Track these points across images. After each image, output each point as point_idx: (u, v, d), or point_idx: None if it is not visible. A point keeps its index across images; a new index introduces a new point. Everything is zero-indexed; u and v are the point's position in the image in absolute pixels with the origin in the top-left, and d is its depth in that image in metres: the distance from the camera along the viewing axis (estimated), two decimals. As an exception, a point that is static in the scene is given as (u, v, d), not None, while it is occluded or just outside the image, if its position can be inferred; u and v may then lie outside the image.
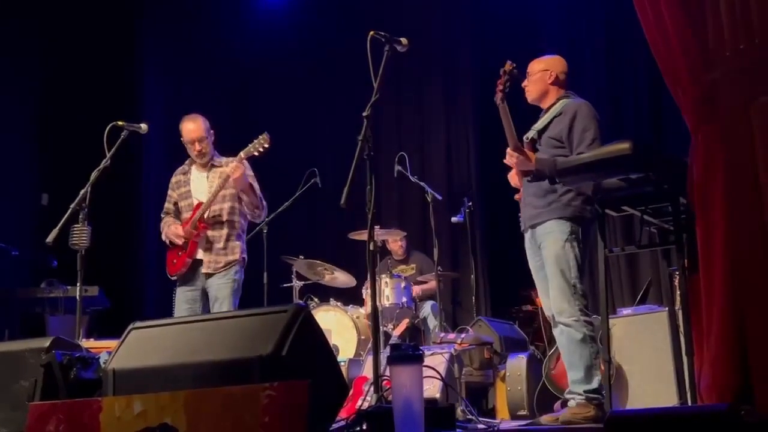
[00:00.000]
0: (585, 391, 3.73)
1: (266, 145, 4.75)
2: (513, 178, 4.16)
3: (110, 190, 4.81)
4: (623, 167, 3.38)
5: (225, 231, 4.74)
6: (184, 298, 4.73)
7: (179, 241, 4.72)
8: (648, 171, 3.38)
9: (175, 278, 4.78)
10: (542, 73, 4.05)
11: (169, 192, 4.98)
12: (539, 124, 4.01)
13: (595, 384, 3.73)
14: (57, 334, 3.26)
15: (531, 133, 4.01)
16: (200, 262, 4.72)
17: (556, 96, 4.04)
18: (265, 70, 8.08)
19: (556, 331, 3.95)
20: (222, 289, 4.68)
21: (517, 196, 4.12)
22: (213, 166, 4.84)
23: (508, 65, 3.95)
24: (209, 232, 4.72)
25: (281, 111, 8.06)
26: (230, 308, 4.63)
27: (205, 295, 4.74)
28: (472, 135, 7.65)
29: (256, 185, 4.86)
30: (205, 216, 4.70)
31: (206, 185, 4.80)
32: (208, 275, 4.71)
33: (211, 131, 4.87)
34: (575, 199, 3.83)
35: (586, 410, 3.70)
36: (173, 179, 4.98)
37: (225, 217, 4.76)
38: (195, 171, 4.91)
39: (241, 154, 4.73)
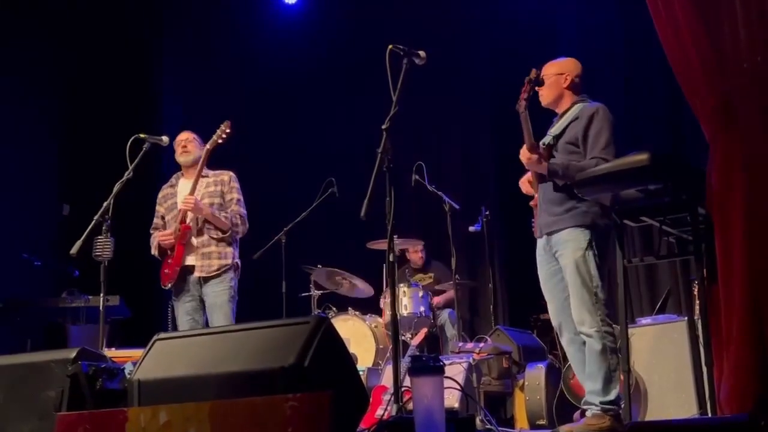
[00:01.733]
0: (601, 402, 3.69)
1: (228, 130, 4.81)
2: (524, 184, 4.11)
3: (129, 201, 4.88)
4: (642, 178, 3.39)
5: (216, 235, 4.76)
6: (183, 310, 4.76)
7: (167, 243, 4.73)
8: (666, 181, 3.39)
9: (169, 288, 4.79)
10: (557, 77, 3.99)
11: (157, 207, 5.01)
12: (555, 130, 3.96)
13: (612, 396, 3.68)
14: (78, 344, 3.31)
15: (547, 139, 3.96)
16: (191, 269, 4.72)
17: (572, 100, 3.98)
18: (284, 82, 8.13)
19: (563, 340, 3.92)
20: (219, 296, 4.69)
21: (532, 203, 4.07)
22: (201, 176, 4.88)
23: (534, 73, 3.91)
24: (199, 238, 4.73)
25: (300, 121, 8.11)
26: (228, 316, 4.66)
27: (203, 303, 4.75)
28: (489, 144, 7.67)
29: (240, 197, 4.88)
30: (188, 220, 4.71)
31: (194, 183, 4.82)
32: (204, 280, 4.71)
33: (203, 146, 4.91)
34: (593, 206, 3.78)
35: (601, 421, 3.66)
36: (160, 194, 5.02)
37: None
38: (182, 182, 4.95)
39: (207, 146, 4.80)
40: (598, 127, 3.79)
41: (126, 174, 4.58)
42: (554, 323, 3.96)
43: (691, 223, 3.45)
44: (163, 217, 4.96)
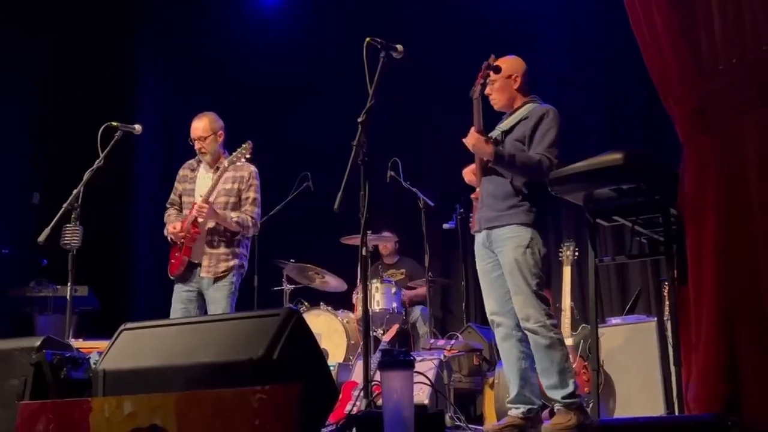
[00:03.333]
0: (562, 398, 3.71)
1: (248, 155, 4.73)
2: (468, 174, 4.12)
3: (101, 191, 4.81)
4: (615, 177, 3.40)
5: (226, 237, 4.73)
6: (179, 298, 4.74)
7: (177, 238, 4.70)
8: (640, 182, 3.40)
9: (173, 278, 4.79)
10: (506, 80, 4.03)
11: (176, 184, 4.98)
12: (505, 125, 4.03)
13: (570, 387, 3.71)
14: (45, 334, 3.25)
15: (495, 133, 4.02)
16: (197, 264, 4.71)
17: (522, 100, 4.05)
18: (260, 73, 8.08)
19: (498, 336, 3.94)
20: (219, 290, 4.68)
21: (473, 195, 4.07)
22: (219, 168, 4.82)
23: (492, 59, 3.97)
24: (208, 240, 4.70)
25: (275, 114, 8.06)
26: (226, 311, 4.64)
27: (201, 296, 4.74)
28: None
29: (256, 196, 4.83)
30: (200, 221, 4.68)
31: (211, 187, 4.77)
32: (208, 279, 4.71)
33: (220, 132, 4.85)
34: (535, 205, 3.85)
35: (566, 418, 3.68)
36: (180, 172, 4.98)
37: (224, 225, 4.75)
38: (203, 171, 4.89)
39: (225, 163, 4.72)
40: (547, 127, 3.90)
41: (97, 162, 4.52)
42: (490, 318, 3.98)
43: (663, 224, 3.46)
44: (180, 196, 4.91)
